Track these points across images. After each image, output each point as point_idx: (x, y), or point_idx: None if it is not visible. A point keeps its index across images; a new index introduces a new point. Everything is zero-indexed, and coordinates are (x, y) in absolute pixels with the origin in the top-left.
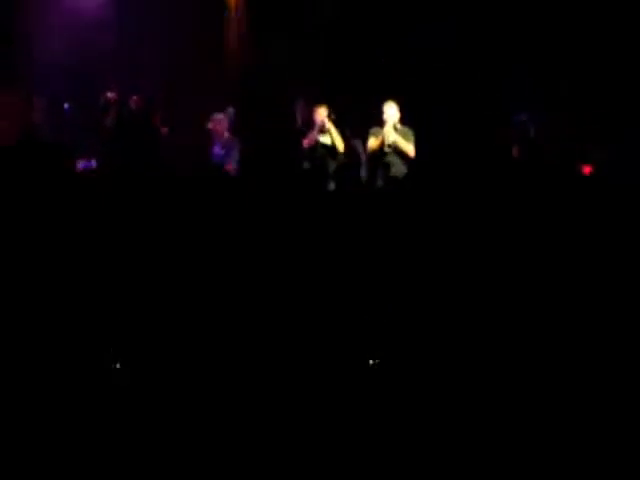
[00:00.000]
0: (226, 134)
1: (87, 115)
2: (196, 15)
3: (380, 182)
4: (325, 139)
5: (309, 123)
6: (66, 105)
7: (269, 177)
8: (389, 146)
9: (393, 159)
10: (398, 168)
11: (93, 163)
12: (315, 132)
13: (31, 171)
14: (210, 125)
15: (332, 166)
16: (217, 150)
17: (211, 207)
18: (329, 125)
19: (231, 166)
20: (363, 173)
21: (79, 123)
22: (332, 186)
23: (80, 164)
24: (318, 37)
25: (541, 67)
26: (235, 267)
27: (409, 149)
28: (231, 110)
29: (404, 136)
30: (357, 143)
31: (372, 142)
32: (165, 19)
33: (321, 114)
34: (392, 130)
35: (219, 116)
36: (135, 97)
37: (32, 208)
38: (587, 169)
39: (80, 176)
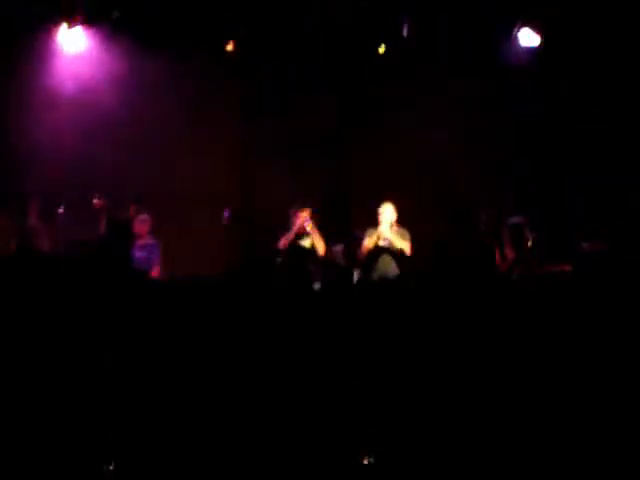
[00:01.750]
0: (148, 237)
1: (82, 217)
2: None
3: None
4: (305, 242)
5: (290, 225)
6: (60, 208)
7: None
8: (384, 242)
9: (387, 259)
10: (390, 268)
11: None
12: (291, 233)
13: (27, 281)
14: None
15: (311, 268)
16: (137, 253)
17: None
18: (310, 228)
19: (156, 272)
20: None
21: (74, 226)
22: (316, 286)
23: None
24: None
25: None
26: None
27: (405, 247)
28: (226, 213)
29: (401, 236)
30: (338, 249)
31: (367, 242)
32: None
33: (302, 217)
34: (387, 229)
35: (143, 216)
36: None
37: (30, 317)
38: None
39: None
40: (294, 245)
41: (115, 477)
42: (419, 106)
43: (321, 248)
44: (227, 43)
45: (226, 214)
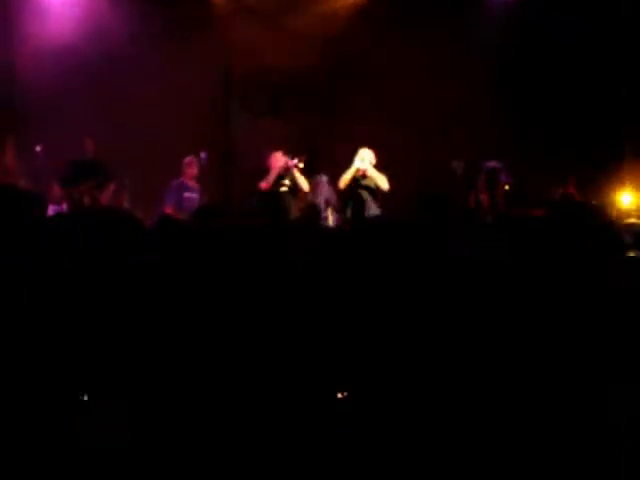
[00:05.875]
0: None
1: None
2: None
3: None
4: (286, 181)
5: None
6: (38, 147)
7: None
8: (362, 177)
9: (365, 195)
10: (370, 206)
11: (64, 207)
12: (272, 175)
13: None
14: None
15: (294, 206)
16: (188, 194)
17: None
18: (296, 168)
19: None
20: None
21: (50, 166)
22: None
23: (51, 209)
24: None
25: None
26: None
27: (383, 182)
28: (203, 155)
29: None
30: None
31: (345, 175)
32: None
33: (278, 159)
34: (367, 164)
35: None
36: (88, 140)
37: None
38: None
39: (51, 223)
40: (276, 183)
41: (89, 408)
42: (403, 55)
43: (305, 185)
44: None
45: (203, 156)
